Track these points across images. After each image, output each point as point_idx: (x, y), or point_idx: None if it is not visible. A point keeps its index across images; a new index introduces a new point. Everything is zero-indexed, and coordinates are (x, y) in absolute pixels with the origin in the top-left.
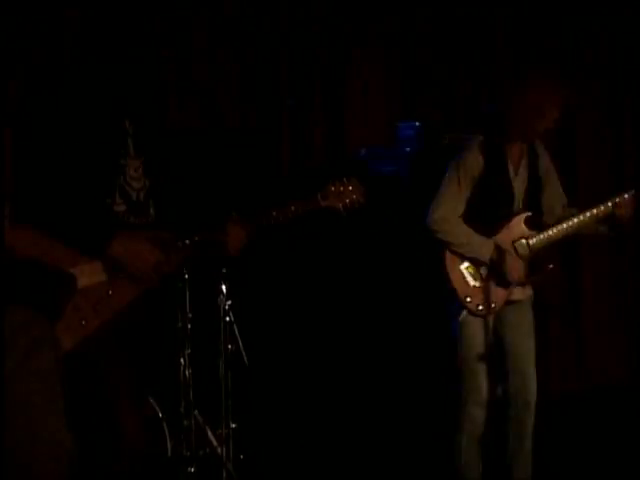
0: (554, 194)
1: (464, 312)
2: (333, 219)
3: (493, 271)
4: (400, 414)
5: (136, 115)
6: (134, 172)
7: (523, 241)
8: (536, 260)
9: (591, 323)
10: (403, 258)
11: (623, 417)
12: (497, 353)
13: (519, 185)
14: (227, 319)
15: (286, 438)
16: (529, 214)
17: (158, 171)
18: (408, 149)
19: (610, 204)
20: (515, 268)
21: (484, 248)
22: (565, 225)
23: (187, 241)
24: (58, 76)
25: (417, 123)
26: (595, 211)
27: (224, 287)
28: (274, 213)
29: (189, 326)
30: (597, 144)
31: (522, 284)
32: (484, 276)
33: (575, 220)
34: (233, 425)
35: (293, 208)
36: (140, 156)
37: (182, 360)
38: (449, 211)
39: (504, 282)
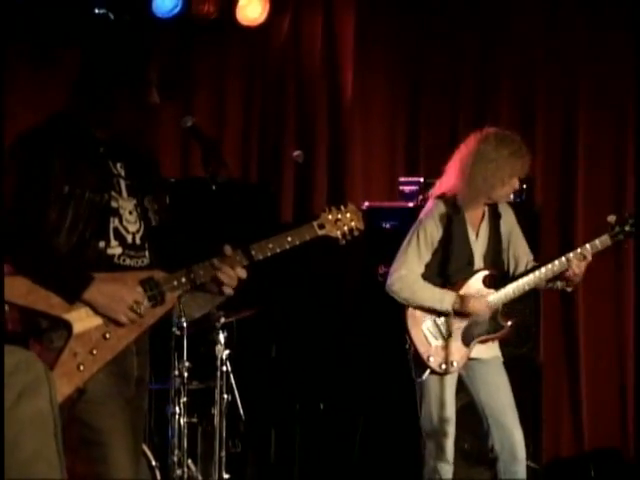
0: (519, 252)
1: (427, 372)
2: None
3: (457, 325)
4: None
5: (130, 158)
6: (129, 215)
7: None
8: (496, 318)
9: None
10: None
11: None
12: (476, 412)
13: (480, 247)
14: (224, 369)
15: None
16: (487, 273)
17: (152, 215)
18: (410, 204)
19: (564, 260)
20: (482, 305)
21: (446, 299)
22: (522, 282)
23: (183, 279)
24: (48, 118)
25: (420, 179)
26: (550, 267)
27: (222, 336)
28: (270, 245)
29: (186, 374)
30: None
31: (484, 342)
32: (445, 335)
33: (531, 277)
34: (226, 476)
35: (289, 239)
36: (133, 198)
37: (177, 409)
38: (408, 272)
39: (466, 339)
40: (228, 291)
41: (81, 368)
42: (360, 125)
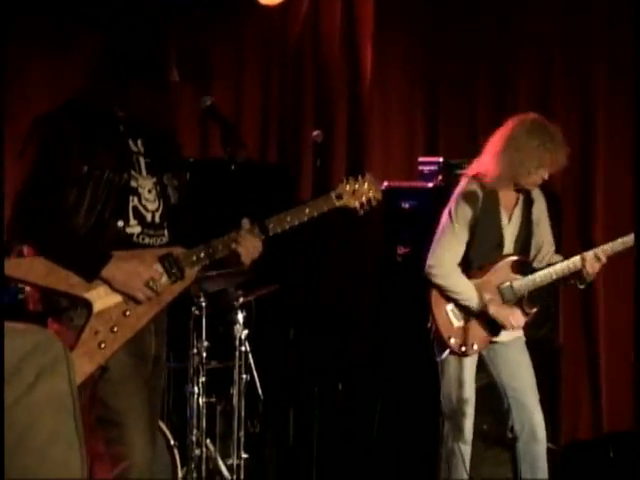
0: (543, 240)
1: (446, 351)
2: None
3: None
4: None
5: (149, 136)
6: (148, 193)
7: (507, 284)
8: (521, 304)
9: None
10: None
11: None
12: (497, 393)
13: (511, 231)
14: (243, 349)
15: (298, 471)
16: (515, 258)
17: (172, 191)
18: (430, 185)
19: (579, 260)
20: (506, 317)
21: (476, 299)
22: (551, 275)
23: (202, 254)
24: (66, 100)
25: (439, 159)
26: (566, 265)
27: (241, 316)
28: (288, 218)
29: (204, 354)
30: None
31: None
32: (468, 317)
33: (557, 271)
34: (245, 456)
35: (307, 210)
36: (152, 176)
37: (196, 388)
38: (447, 258)
39: (488, 323)
40: (247, 261)
41: (102, 346)
42: (379, 105)
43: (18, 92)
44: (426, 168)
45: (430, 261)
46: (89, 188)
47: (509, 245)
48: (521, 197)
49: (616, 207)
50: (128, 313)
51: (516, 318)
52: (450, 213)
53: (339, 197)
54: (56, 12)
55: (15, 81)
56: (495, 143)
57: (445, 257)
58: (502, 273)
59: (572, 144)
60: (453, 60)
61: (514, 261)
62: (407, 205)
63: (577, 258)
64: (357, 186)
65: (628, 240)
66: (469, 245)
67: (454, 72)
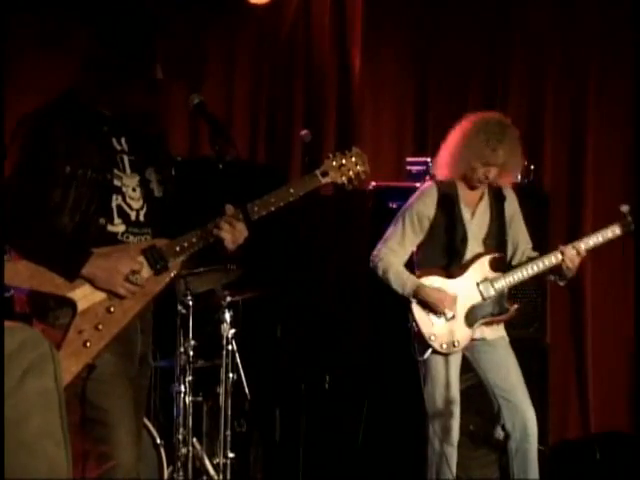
0: (518, 238)
1: (428, 351)
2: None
3: (460, 306)
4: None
5: (134, 133)
6: (132, 192)
7: (487, 282)
8: (501, 300)
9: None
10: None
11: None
12: (484, 394)
13: (476, 228)
14: (230, 348)
15: (284, 470)
16: (494, 256)
17: (155, 185)
18: (418, 184)
19: (559, 255)
20: (437, 301)
21: (407, 285)
22: (529, 270)
23: (185, 243)
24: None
25: (427, 159)
26: (546, 261)
27: (228, 315)
28: (272, 199)
29: (191, 353)
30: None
31: (489, 323)
32: (448, 315)
33: (534, 267)
34: (231, 455)
35: (292, 190)
36: (137, 174)
37: (183, 387)
38: (388, 251)
39: (469, 320)
40: (231, 247)
41: (88, 345)
42: (368, 105)
43: (9, 90)
44: (414, 168)
45: (372, 255)
46: (73, 188)
47: (476, 242)
48: (487, 193)
49: (606, 207)
50: (112, 309)
51: (449, 302)
52: (402, 213)
53: (324, 174)
54: (47, 8)
55: (6, 79)
56: (445, 143)
57: (384, 251)
58: (480, 271)
59: (562, 143)
60: (443, 60)
61: (492, 258)
62: (394, 205)
63: (557, 253)
64: (344, 161)
65: (607, 233)
66: (433, 242)
67: (444, 72)
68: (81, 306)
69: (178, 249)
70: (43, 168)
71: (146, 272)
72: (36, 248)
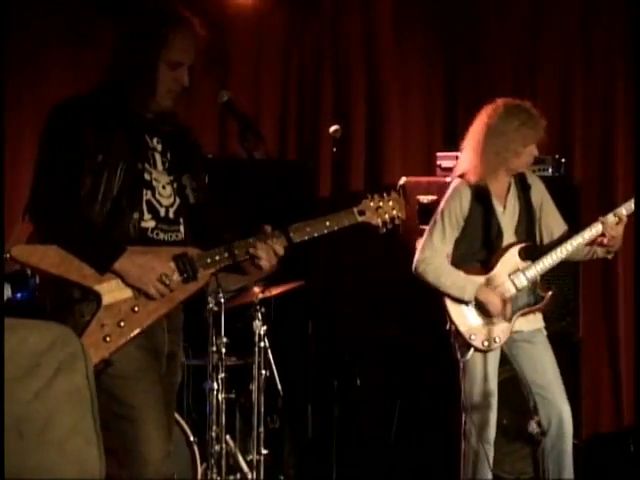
0: (552, 222)
1: (471, 351)
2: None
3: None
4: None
5: (167, 135)
6: (162, 189)
7: (519, 272)
8: (535, 289)
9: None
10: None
11: None
12: (517, 388)
13: (508, 219)
14: (262, 344)
15: (317, 466)
16: (522, 245)
17: (190, 192)
18: (448, 179)
19: (599, 225)
20: (494, 304)
21: (468, 288)
22: (559, 253)
23: (217, 257)
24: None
25: (457, 154)
26: (586, 234)
27: (260, 312)
28: (308, 228)
29: (223, 350)
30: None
31: (526, 314)
32: (486, 312)
33: (568, 247)
34: (265, 451)
35: (328, 223)
36: (170, 174)
37: (215, 384)
38: (433, 253)
39: (507, 316)
40: (266, 267)
41: (108, 339)
42: (398, 100)
43: (35, 82)
44: (444, 162)
45: (415, 260)
46: (104, 177)
47: (509, 233)
48: (513, 183)
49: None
50: (137, 309)
51: (495, 305)
52: (438, 213)
53: (361, 213)
54: (75, 6)
55: (32, 72)
56: (473, 137)
57: (428, 254)
58: (511, 262)
59: (592, 136)
60: (472, 54)
61: (521, 248)
62: (425, 200)
63: (597, 224)
64: (381, 203)
65: None
66: (468, 241)
67: (473, 66)
68: (106, 300)
69: (209, 261)
70: (76, 155)
71: (176, 278)
72: (71, 237)
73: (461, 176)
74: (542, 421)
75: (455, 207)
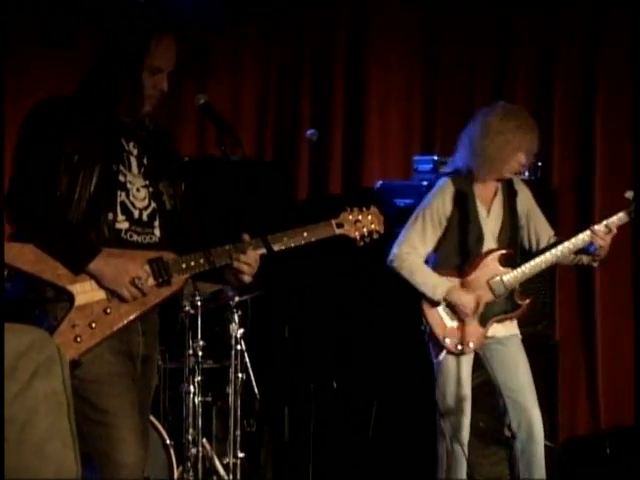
0: (539, 229)
1: (443, 352)
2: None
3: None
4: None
5: (144, 140)
6: (137, 191)
7: (498, 279)
8: (512, 297)
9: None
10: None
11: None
12: (494, 391)
13: (491, 224)
14: (239, 347)
15: (294, 469)
16: (503, 252)
17: (167, 199)
18: (425, 182)
19: (588, 234)
20: (465, 306)
21: (438, 288)
22: (539, 260)
23: (192, 262)
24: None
25: (434, 157)
26: (571, 243)
27: (236, 315)
28: (285, 238)
29: (200, 353)
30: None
31: (502, 321)
32: (457, 314)
33: (548, 255)
34: (241, 455)
35: (306, 234)
36: (145, 178)
37: (192, 387)
38: (410, 250)
39: (482, 319)
40: (247, 279)
41: (78, 340)
42: (376, 103)
43: (19, 85)
44: (421, 166)
45: (390, 254)
46: (80, 178)
47: (490, 239)
48: (500, 189)
49: (616, 205)
50: (109, 311)
51: (467, 305)
52: (420, 209)
53: (340, 225)
54: (59, 5)
55: (16, 74)
56: (469, 136)
57: (405, 249)
58: (491, 268)
59: (570, 140)
60: (451, 57)
61: (501, 254)
62: (402, 203)
63: (586, 233)
64: (360, 217)
65: (623, 216)
66: (447, 242)
67: (452, 69)
68: (79, 301)
69: (184, 266)
70: (52, 156)
71: (150, 282)
72: (47, 236)
73: (450, 175)
74: (512, 424)
75: (438, 205)
